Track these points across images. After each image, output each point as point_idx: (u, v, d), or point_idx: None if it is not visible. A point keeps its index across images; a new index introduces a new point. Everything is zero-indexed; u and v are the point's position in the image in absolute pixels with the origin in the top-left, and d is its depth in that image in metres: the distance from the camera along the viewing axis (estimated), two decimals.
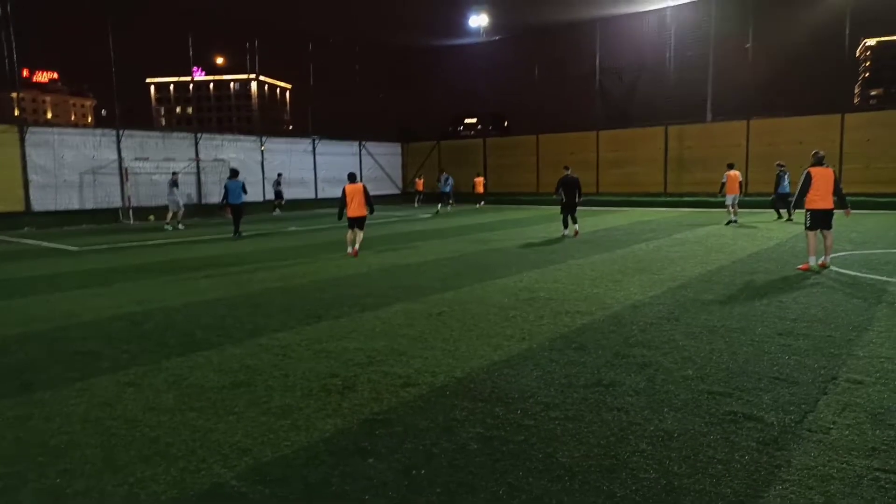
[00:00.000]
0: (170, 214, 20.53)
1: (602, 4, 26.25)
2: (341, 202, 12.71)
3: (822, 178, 9.22)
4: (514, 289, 8.54)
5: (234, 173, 17.69)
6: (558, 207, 16.05)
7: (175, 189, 20.63)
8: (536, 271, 10.04)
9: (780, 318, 6.52)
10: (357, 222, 12.68)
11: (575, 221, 15.74)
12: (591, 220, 20.15)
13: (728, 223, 17.62)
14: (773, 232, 15.21)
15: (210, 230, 19.55)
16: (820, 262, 9.47)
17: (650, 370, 4.93)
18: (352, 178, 13.19)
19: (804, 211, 9.54)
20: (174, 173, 21.50)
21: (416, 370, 5.07)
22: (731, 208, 17.99)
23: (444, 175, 28.48)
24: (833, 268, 9.59)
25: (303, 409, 4.28)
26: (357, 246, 12.58)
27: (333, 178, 32.02)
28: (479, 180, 30.29)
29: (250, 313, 7.36)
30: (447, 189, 27.83)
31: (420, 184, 32.03)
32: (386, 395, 4.52)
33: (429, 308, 7.42)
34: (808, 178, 9.27)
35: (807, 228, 9.51)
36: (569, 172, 15.98)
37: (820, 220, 9.34)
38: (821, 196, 9.24)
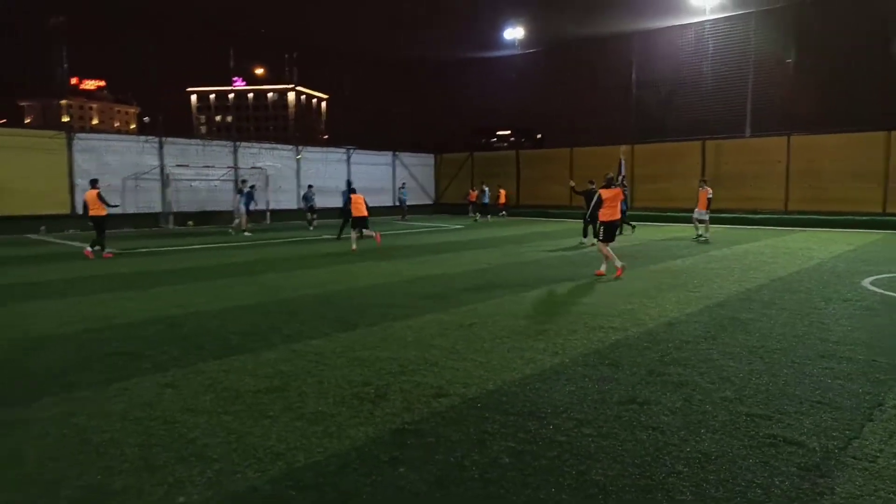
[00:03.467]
0: (237, 220, 21.59)
1: (640, 18, 26.05)
2: (348, 205, 16.77)
3: (612, 197, 11.01)
4: (546, 302, 8.48)
5: (348, 184, 20.50)
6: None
7: (239, 196, 21.81)
8: (569, 284, 9.96)
9: (822, 340, 6.33)
10: (361, 222, 16.31)
11: (596, 235, 16.37)
12: (624, 235, 19.90)
13: (698, 237, 17.96)
14: (814, 251, 14.81)
15: (265, 235, 19.91)
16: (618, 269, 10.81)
17: (686, 389, 4.83)
18: (352, 188, 17.97)
19: (599, 224, 11.09)
20: (243, 181, 23.06)
21: (448, 381, 5.07)
22: (705, 224, 18.28)
23: (485, 187, 30.08)
24: (878, 290, 9.30)
25: (335, 416, 4.32)
26: (375, 234, 16.58)
27: (367, 189, 32.23)
28: (503, 192, 31.74)
29: (285, 319, 7.45)
30: (487, 200, 29.68)
31: (473, 195, 32.48)
32: (417, 405, 4.53)
33: (460, 319, 7.42)
34: (599, 198, 11.04)
35: (602, 240, 11.07)
36: (593, 186, 16.92)
37: (613, 231, 11.14)
38: (610, 212, 11.01)
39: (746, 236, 19.15)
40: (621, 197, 11.15)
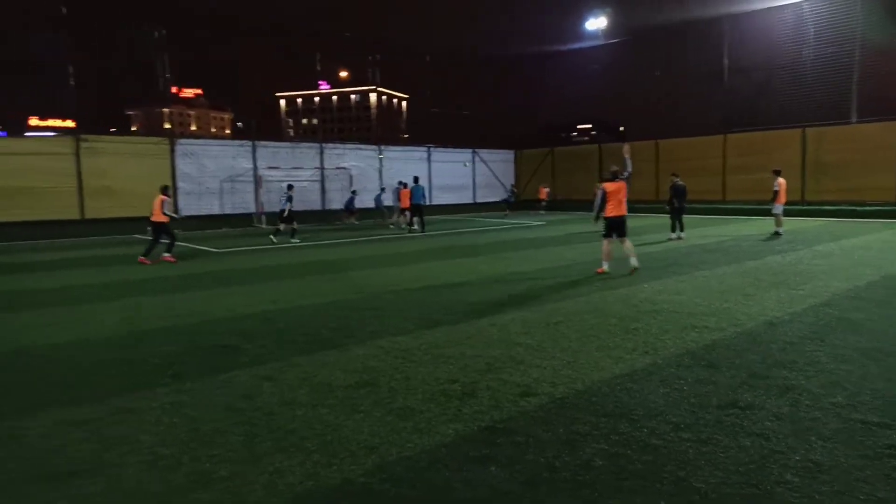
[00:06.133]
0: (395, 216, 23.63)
1: (732, 1, 24.71)
2: (417, 200, 20.29)
3: (615, 191, 10.57)
4: (634, 300, 8.22)
5: (416, 180, 21.20)
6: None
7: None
8: (657, 282, 9.61)
9: None
10: (415, 210, 20.66)
11: (682, 228, 16.53)
12: (717, 229, 19.02)
13: (775, 234, 16.62)
14: None
15: (347, 234, 20.56)
16: (630, 268, 10.46)
17: (793, 394, 4.54)
18: (403, 184, 22.26)
19: (604, 219, 10.90)
20: (382, 189, 25.95)
21: (535, 380, 5.02)
22: (779, 218, 16.91)
23: (511, 185, 31.36)
24: None
25: (424, 412, 4.37)
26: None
27: (446, 186, 32.60)
28: (543, 189, 32.61)
29: (371, 316, 7.63)
30: (512, 198, 30.78)
31: (543, 192, 32.46)
32: (506, 403, 4.51)
33: (545, 317, 7.33)
34: (603, 193, 10.77)
35: (603, 236, 10.86)
36: (678, 179, 16.85)
37: (613, 227, 10.66)
38: (613, 206, 10.63)
39: (853, 230, 17.80)
40: (626, 192, 10.69)
